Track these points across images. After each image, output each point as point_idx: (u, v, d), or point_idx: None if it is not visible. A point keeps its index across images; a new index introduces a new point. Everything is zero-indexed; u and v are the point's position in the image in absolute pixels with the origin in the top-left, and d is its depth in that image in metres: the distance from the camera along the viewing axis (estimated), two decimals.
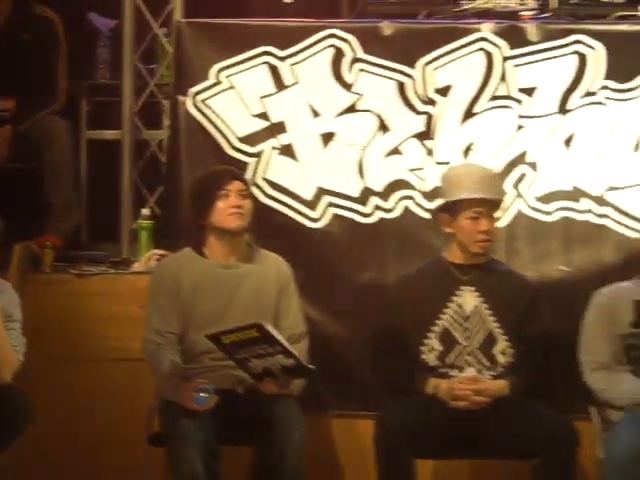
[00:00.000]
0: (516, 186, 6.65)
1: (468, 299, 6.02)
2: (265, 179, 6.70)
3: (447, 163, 6.55)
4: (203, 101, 6.71)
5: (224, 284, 6.12)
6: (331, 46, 6.69)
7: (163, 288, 6.13)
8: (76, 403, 6.73)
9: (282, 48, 6.68)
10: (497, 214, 6.06)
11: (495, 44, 6.65)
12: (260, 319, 5.78)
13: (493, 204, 6.00)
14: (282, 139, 6.71)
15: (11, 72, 7.25)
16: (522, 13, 6.77)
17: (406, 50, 6.66)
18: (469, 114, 6.67)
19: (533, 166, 6.66)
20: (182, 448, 5.72)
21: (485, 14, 6.76)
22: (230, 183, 6.08)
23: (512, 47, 6.63)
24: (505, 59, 6.64)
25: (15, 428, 5.84)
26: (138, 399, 6.46)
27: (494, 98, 6.66)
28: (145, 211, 7.18)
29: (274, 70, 6.69)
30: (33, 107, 7.25)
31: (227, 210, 6.06)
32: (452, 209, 5.99)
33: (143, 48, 7.49)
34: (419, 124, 6.67)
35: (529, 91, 6.64)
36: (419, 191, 6.66)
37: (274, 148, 6.70)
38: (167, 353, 6.00)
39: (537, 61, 6.67)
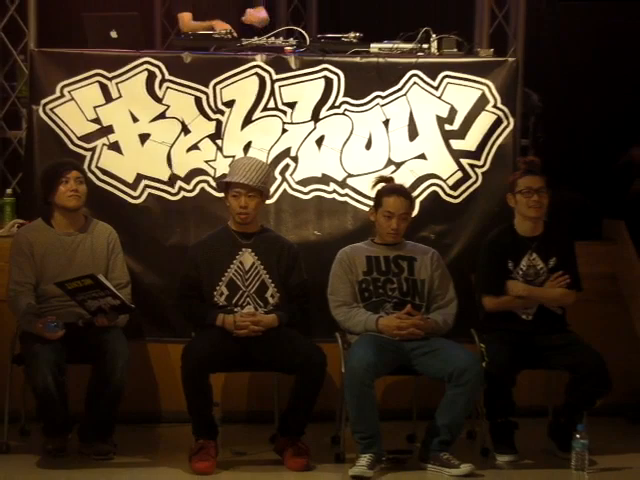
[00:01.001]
0: (282, 173, 6.49)
1: (247, 257, 5.89)
2: (98, 167, 6.42)
3: (233, 156, 6.37)
4: (51, 109, 6.41)
5: (66, 248, 5.95)
6: (146, 70, 6.44)
7: (21, 250, 5.94)
8: None
9: (110, 71, 6.42)
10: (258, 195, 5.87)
11: (266, 70, 6.46)
12: (94, 272, 5.73)
13: (252, 187, 5.83)
14: (111, 138, 6.43)
15: None
16: (285, 48, 6.56)
17: (201, 73, 6.46)
18: (248, 121, 6.47)
19: (294, 159, 6.50)
20: (36, 365, 5.60)
21: (258, 48, 6.55)
22: (69, 172, 5.91)
23: (278, 72, 6.46)
24: (273, 81, 6.46)
25: None
26: (2, 330, 6.12)
27: (266, 109, 6.47)
28: (9, 191, 6.87)
29: (104, 87, 6.41)
30: None
31: (66, 193, 5.90)
32: (226, 189, 5.91)
33: (6, 69, 7.19)
34: (212, 127, 6.46)
35: (291, 105, 6.48)
36: (212, 177, 6.46)
37: (104, 145, 6.43)
38: (24, 298, 5.83)
39: (296, 83, 6.49)
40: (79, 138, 6.40)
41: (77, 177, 5.92)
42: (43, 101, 6.39)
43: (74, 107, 6.39)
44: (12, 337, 5.90)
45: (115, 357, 5.67)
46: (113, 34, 6.53)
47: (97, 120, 6.40)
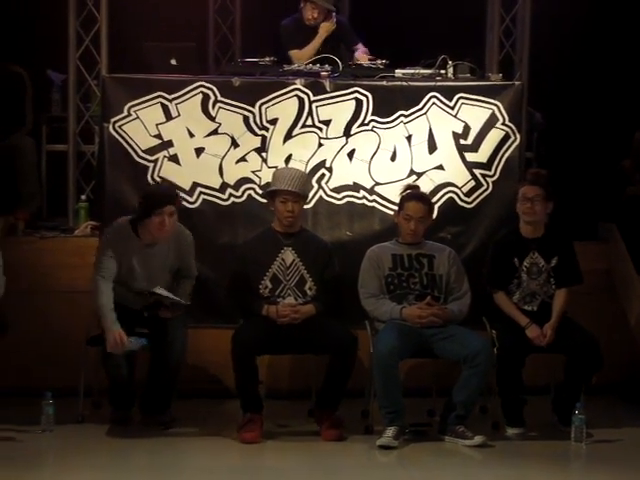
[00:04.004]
0: (319, 182, 6.34)
1: (288, 255, 5.76)
2: (160, 176, 6.28)
3: (275, 167, 6.21)
4: (120, 126, 6.28)
5: (145, 257, 5.71)
6: (201, 92, 6.30)
7: (110, 245, 5.67)
8: (36, 320, 6.22)
9: (170, 93, 6.28)
10: (302, 200, 5.79)
11: (305, 92, 6.32)
12: (163, 277, 5.71)
13: (297, 194, 5.72)
14: (170, 151, 6.30)
15: None
16: (321, 73, 6.40)
17: (248, 95, 6.32)
18: (289, 136, 6.32)
19: (329, 169, 6.35)
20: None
21: (298, 73, 6.41)
22: (165, 206, 5.62)
23: (315, 94, 6.32)
24: (311, 102, 6.32)
25: None
26: (76, 317, 5.99)
27: (304, 126, 6.33)
28: (83, 197, 6.82)
29: (165, 107, 6.28)
30: (11, 130, 6.84)
31: (157, 225, 5.62)
32: (273, 196, 5.76)
33: (82, 92, 7.07)
34: (257, 142, 6.33)
35: (326, 122, 6.33)
36: (257, 184, 6.32)
37: (165, 157, 6.30)
38: (106, 287, 5.58)
39: (331, 103, 6.34)
40: (143, 151, 6.27)
41: (171, 212, 5.64)
42: (113, 119, 6.27)
43: (139, 125, 6.26)
44: (87, 322, 5.76)
45: (174, 341, 5.56)
46: (173, 61, 6.43)
47: (159, 136, 6.28)
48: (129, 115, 6.29)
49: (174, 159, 6.29)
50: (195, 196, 6.30)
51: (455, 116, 6.37)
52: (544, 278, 5.82)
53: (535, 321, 5.71)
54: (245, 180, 6.33)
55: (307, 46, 6.86)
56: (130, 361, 5.64)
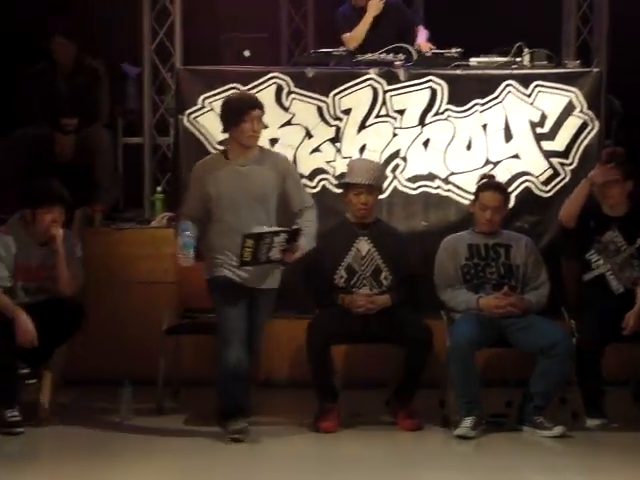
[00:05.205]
0: (393, 172, 6.37)
1: (363, 245, 5.75)
2: None
3: (350, 157, 6.25)
4: (194, 118, 6.39)
5: (241, 178, 5.31)
6: (275, 83, 6.38)
7: (194, 183, 5.38)
8: (113, 311, 6.34)
9: (244, 84, 6.34)
10: (376, 192, 5.75)
11: (378, 82, 6.36)
12: (264, 201, 5.26)
13: (371, 186, 5.70)
14: None
15: (73, 102, 6.93)
16: (395, 63, 6.42)
17: (322, 86, 6.37)
18: (363, 126, 6.37)
19: (404, 159, 6.38)
20: (229, 337, 5.22)
21: (372, 63, 6.42)
22: (253, 110, 5.28)
23: (389, 84, 6.36)
24: (385, 92, 6.35)
25: (75, 325, 5.61)
26: (154, 307, 6.08)
27: (378, 116, 6.37)
28: (159, 188, 6.91)
29: None
30: (88, 123, 6.92)
31: (247, 133, 5.27)
32: (346, 187, 5.76)
33: (156, 85, 7.14)
34: (331, 132, 6.38)
35: (401, 112, 6.36)
36: (331, 175, 6.37)
37: None
38: (187, 223, 5.25)
39: (405, 93, 6.37)
40: (218, 143, 6.31)
41: (260, 117, 5.30)
42: (187, 111, 6.36)
43: (213, 116, 6.28)
44: (164, 312, 5.88)
45: (255, 332, 5.38)
46: (246, 53, 6.51)
47: None
48: (203, 107, 6.37)
49: None
50: None
51: (532, 104, 6.34)
52: (623, 259, 5.74)
53: (620, 307, 5.58)
54: (319, 171, 6.38)
55: (356, 27, 6.77)
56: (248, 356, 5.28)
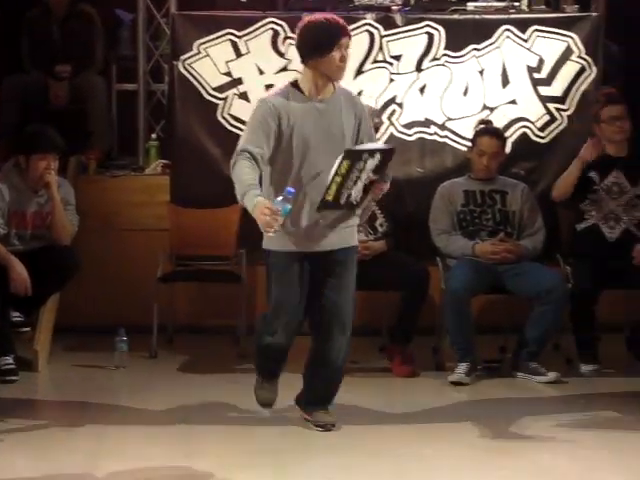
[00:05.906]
0: (389, 118, 6.33)
1: None
2: (230, 114, 6.33)
3: None
4: (189, 64, 6.34)
5: (317, 113, 4.56)
6: (271, 29, 6.32)
7: (264, 121, 4.51)
8: (107, 258, 6.34)
9: (239, 30, 6.31)
10: None
11: (375, 27, 6.31)
12: (340, 136, 4.54)
13: None
14: (240, 89, 6.34)
15: (67, 48, 6.90)
16: (392, 7, 6.36)
17: None
18: (359, 71, 6.32)
19: (400, 105, 6.35)
20: (280, 313, 4.64)
21: (368, 8, 6.38)
22: (344, 38, 4.54)
23: (386, 29, 6.31)
24: (382, 37, 6.31)
25: (69, 273, 5.63)
26: (148, 255, 6.11)
27: (375, 61, 6.33)
28: (153, 136, 6.83)
29: (234, 44, 6.32)
30: (81, 69, 6.88)
31: (337, 62, 4.52)
32: None
33: (151, 31, 7.05)
34: None
35: (397, 57, 6.32)
36: None
37: (235, 94, 6.34)
38: (247, 164, 4.42)
39: (402, 38, 6.32)
40: (213, 89, 6.31)
41: (348, 44, 4.58)
42: (182, 57, 6.32)
43: (209, 62, 6.30)
44: (158, 259, 5.92)
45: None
46: None
47: (228, 73, 6.31)
48: (199, 53, 6.32)
49: (244, 96, 6.31)
50: None
51: (529, 49, 6.30)
52: (627, 200, 5.72)
53: (614, 254, 5.63)
54: None
55: None
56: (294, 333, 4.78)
